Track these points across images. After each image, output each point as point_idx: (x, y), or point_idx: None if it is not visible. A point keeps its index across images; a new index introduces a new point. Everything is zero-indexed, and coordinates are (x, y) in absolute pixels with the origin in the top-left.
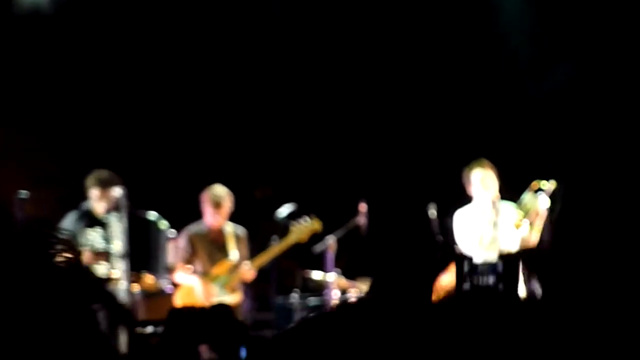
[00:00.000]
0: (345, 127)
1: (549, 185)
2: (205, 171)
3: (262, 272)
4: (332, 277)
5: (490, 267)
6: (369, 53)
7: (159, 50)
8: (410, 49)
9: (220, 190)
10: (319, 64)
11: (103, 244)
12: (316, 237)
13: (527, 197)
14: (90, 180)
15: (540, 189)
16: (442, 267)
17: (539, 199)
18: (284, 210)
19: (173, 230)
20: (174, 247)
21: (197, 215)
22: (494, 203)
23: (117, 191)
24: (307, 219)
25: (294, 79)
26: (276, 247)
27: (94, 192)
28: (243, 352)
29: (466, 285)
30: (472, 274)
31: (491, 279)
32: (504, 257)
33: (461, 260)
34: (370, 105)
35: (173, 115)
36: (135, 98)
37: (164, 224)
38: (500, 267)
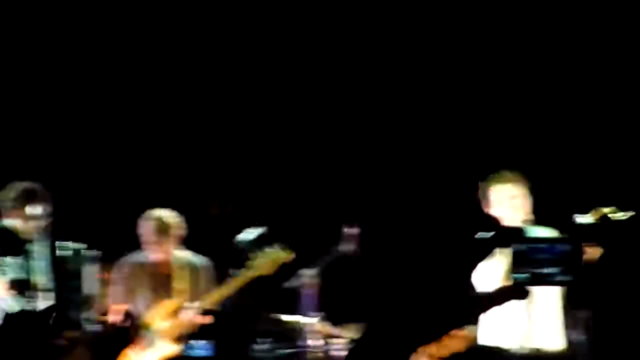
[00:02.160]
0: (329, 129)
1: (622, 215)
2: (143, 187)
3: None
4: (311, 322)
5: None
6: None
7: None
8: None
9: (164, 215)
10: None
11: (22, 274)
12: (289, 270)
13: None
14: (8, 193)
15: (605, 217)
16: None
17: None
18: (247, 235)
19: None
20: (107, 281)
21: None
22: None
23: (42, 209)
24: (274, 246)
25: (270, 83)
26: (232, 283)
27: (13, 209)
28: None
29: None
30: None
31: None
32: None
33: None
34: (358, 101)
35: (107, 118)
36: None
37: (88, 254)
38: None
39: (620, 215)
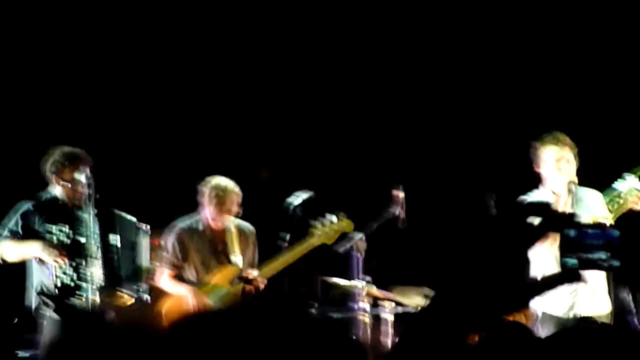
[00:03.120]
0: (373, 95)
1: None
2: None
3: (271, 279)
4: (360, 285)
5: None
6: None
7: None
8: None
9: (224, 183)
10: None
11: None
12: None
13: (623, 185)
14: (52, 157)
15: None
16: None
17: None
18: (297, 199)
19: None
20: (157, 248)
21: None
22: (571, 190)
23: (83, 177)
24: (334, 217)
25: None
26: (291, 252)
27: (58, 175)
28: None
29: (571, 262)
30: (576, 249)
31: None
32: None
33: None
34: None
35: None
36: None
37: (143, 227)
38: (615, 237)
39: None
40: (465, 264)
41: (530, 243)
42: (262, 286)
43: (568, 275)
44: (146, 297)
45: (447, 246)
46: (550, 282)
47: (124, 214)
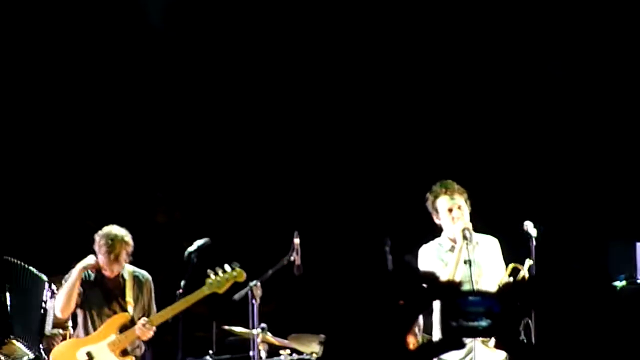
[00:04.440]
0: (273, 143)
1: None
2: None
3: (166, 326)
4: (256, 332)
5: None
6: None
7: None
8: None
9: (115, 232)
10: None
11: None
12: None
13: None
14: None
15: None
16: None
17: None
18: (194, 245)
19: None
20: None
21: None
22: (465, 236)
23: None
24: (227, 267)
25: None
26: (182, 300)
27: None
28: None
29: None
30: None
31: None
32: (500, 292)
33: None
34: (301, 118)
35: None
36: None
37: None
38: (496, 306)
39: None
40: (356, 314)
41: (415, 312)
42: (150, 333)
43: (450, 342)
44: (44, 357)
45: (340, 293)
46: (433, 348)
47: (25, 266)
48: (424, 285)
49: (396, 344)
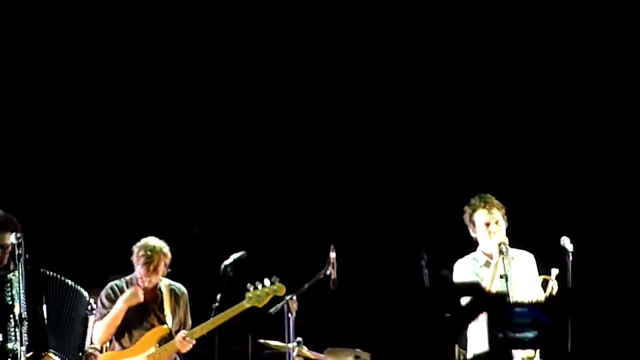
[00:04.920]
0: (311, 157)
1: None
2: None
3: (202, 339)
4: (291, 346)
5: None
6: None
7: None
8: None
9: (152, 243)
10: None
11: None
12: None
13: None
14: None
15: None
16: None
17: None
18: (230, 259)
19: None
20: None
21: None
22: (502, 251)
23: (12, 237)
24: (267, 281)
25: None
26: (221, 314)
27: None
28: None
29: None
30: (505, 327)
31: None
32: (547, 304)
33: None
34: (340, 130)
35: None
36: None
37: (84, 293)
38: (543, 317)
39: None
40: (400, 332)
41: (462, 324)
42: (189, 346)
43: (498, 354)
44: None
45: (380, 310)
46: None
47: (62, 278)
48: (471, 297)
49: (444, 357)
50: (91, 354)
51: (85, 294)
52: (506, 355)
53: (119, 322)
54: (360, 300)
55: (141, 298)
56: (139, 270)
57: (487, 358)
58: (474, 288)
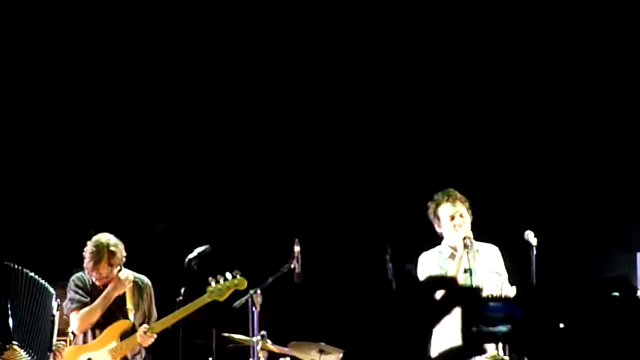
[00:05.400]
0: (273, 150)
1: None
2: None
3: (166, 332)
4: (255, 340)
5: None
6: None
7: None
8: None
9: (101, 241)
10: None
11: None
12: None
13: None
14: None
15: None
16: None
17: None
18: (195, 252)
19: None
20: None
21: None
22: (466, 244)
23: None
24: (228, 275)
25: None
26: (182, 308)
27: None
28: None
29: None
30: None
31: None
32: (522, 298)
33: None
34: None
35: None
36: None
37: (52, 290)
38: (517, 311)
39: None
40: (371, 329)
41: (434, 318)
42: (151, 340)
43: (471, 348)
44: None
45: (345, 305)
46: (453, 356)
47: (27, 272)
48: (444, 291)
49: (417, 354)
50: (58, 346)
51: (53, 291)
52: (479, 349)
53: (98, 315)
54: (325, 295)
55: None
56: (87, 265)
57: (460, 352)
58: (448, 282)
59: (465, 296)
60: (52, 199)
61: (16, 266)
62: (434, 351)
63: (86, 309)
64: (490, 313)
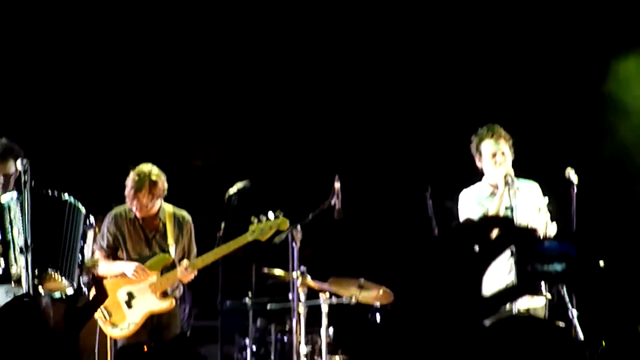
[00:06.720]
0: (315, 87)
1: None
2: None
3: (205, 269)
4: (295, 275)
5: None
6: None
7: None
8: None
9: (144, 170)
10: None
11: None
12: None
13: None
14: None
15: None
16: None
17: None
18: (235, 188)
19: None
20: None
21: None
22: (507, 182)
23: (16, 164)
24: (271, 214)
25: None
26: (224, 246)
27: None
28: None
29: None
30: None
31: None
32: (577, 237)
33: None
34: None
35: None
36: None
37: (82, 208)
38: (572, 251)
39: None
40: (425, 266)
41: (490, 257)
42: (191, 277)
43: (525, 286)
44: (85, 290)
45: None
46: (508, 295)
47: (70, 200)
48: (500, 229)
49: (472, 291)
50: (92, 265)
51: (83, 209)
52: (534, 288)
53: (113, 275)
54: (365, 231)
55: (138, 279)
56: (128, 194)
57: (515, 291)
58: (503, 221)
59: (520, 235)
60: (92, 134)
61: (48, 191)
62: (486, 290)
63: (106, 266)
64: (545, 252)
